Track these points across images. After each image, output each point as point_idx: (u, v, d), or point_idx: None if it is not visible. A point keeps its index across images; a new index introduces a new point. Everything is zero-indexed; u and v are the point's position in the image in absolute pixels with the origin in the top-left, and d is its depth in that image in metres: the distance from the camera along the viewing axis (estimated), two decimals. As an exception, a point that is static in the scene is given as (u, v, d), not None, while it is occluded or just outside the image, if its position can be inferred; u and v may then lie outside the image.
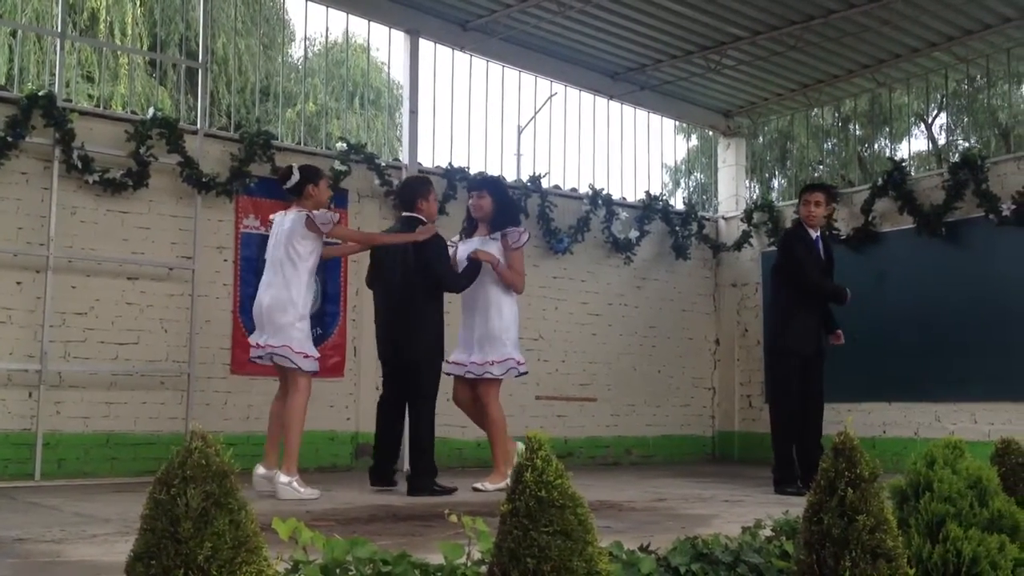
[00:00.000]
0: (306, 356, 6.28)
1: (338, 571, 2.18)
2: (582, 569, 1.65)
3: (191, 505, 1.46)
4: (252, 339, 6.46)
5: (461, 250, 7.04)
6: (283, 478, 6.08)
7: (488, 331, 6.86)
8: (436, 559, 2.34)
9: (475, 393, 6.93)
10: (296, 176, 6.44)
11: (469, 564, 2.31)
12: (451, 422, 8.26)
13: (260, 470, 6.31)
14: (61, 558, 3.69)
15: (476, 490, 6.59)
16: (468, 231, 7.21)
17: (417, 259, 6.57)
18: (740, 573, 2.56)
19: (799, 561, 1.95)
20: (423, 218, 6.76)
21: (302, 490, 6.06)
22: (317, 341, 8.23)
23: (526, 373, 7.17)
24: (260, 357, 6.40)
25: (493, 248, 6.89)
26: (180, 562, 1.44)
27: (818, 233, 7.39)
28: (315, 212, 6.31)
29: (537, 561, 1.64)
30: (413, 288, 6.58)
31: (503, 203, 7.12)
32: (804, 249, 7.30)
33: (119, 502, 5.81)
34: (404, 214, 6.90)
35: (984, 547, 2.23)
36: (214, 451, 1.53)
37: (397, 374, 6.72)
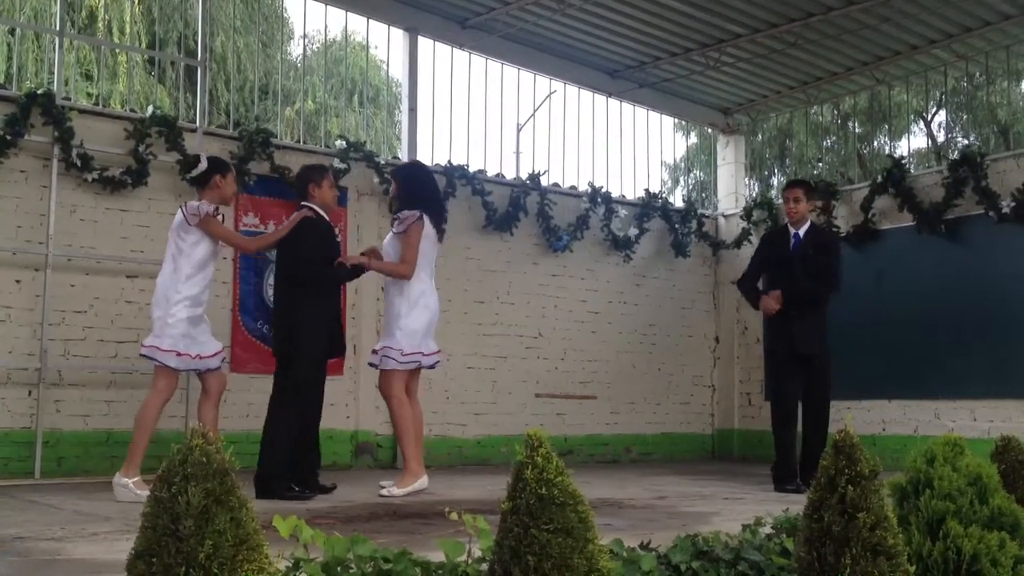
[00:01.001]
0: (178, 354, 6.01)
1: (339, 569, 2.18)
2: (583, 567, 1.65)
3: (192, 503, 1.46)
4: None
5: (385, 242, 6.82)
6: (123, 479, 5.87)
7: (385, 321, 6.74)
8: (437, 557, 2.34)
9: (412, 385, 6.64)
10: (203, 165, 6.27)
11: (470, 562, 2.31)
12: (451, 420, 8.27)
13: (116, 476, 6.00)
14: (61, 556, 3.69)
15: (382, 495, 6.20)
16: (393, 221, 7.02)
17: (285, 247, 6.37)
18: (741, 571, 2.56)
19: (799, 558, 1.95)
20: (315, 207, 6.47)
21: (140, 492, 5.70)
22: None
23: (418, 365, 6.57)
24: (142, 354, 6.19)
25: (397, 238, 6.64)
26: (181, 560, 1.44)
27: (799, 228, 7.38)
28: (189, 203, 6.12)
29: (538, 559, 1.64)
30: (281, 280, 6.46)
31: (404, 188, 6.79)
32: (755, 253, 7.68)
33: (119, 500, 5.81)
34: (301, 204, 6.56)
35: (984, 544, 2.23)
36: (215, 449, 1.53)
37: (280, 365, 6.40)
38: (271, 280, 8.49)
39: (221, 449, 1.54)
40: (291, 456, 6.12)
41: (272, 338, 6.64)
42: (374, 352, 6.64)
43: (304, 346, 6.24)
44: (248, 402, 8.28)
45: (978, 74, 14.52)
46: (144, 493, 5.63)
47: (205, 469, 1.50)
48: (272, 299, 6.74)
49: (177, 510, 1.47)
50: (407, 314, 6.49)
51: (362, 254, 6.81)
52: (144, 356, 6.12)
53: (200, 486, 1.48)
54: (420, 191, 6.75)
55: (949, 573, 2.23)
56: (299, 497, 5.95)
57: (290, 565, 2.18)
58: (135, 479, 5.88)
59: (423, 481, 6.39)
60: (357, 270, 6.62)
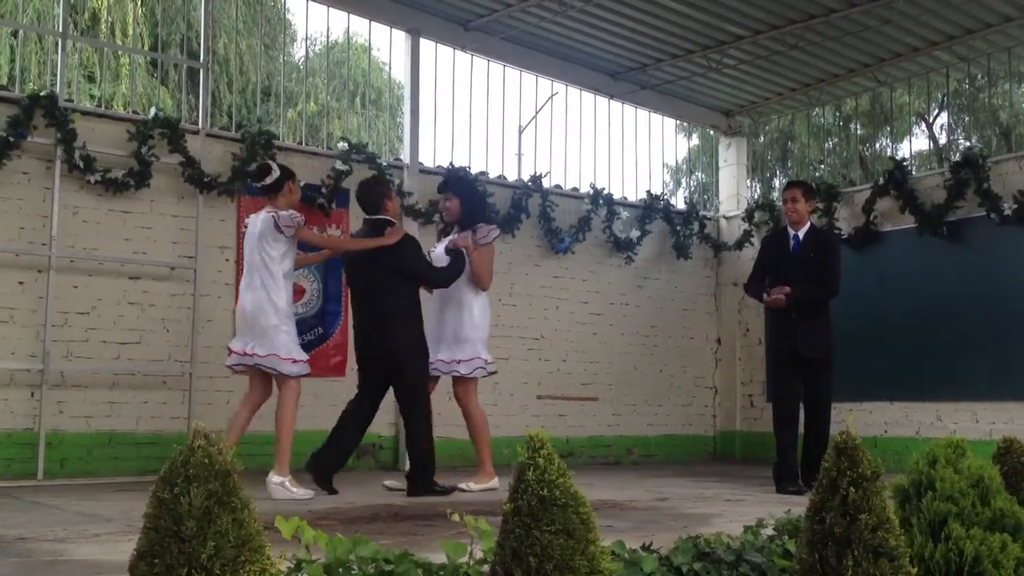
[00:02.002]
0: (294, 361, 6.23)
1: (341, 570, 2.18)
2: (584, 568, 1.65)
3: (194, 504, 1.47)
4: (234, 345, 6.38)
5: (438, 250, 6.99)
6: (275, 478, 6.06)
7: (459, 331, 6.84)
8: (438, 558, 2.34)
9: (431, 388, 6.88)
10: (276, 172, 6.39)
11: (471, 563, 2.31)
12: (451, 421, 8.25)
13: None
14: (64, 557, 3.69)
15: (461, 490, 6.55)
16: (445, 231, 7.17)
17: (389, 261, 6.49)
18: (742, 572, 2.57)
19: (801, 560, 1.95)
20: (391, 219, 6.72)
21: (294, 490, 6.04)
22: (319, 341, 8.27)
23: (494, 372, 7.16)
24: (238, 364, 6.33)
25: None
26: (183, 561, 1.44)
27: (799, 230, 7.35)
28: (281, 213, 6.24)
29: (539, 560, 1.64)
30: (389, 290, 6.51)
31: (470, 201, 7.09)
32: (759, 254, 7.68)
33: (121, 501, 5.82)
34: (369, 217, 6.76)
35: (986, 546, 2.23)
36: (217, 450, 1.53)
37: (377, 379, 6.63)
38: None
39: (223, 450, 1.54)
40: (432, 455, 6.52)
41: (376, 352, 6.59)
42: (458, 362, 6.78)
43: (418, 355, 6.57)
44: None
45: (980, 76, 14.52)
46: (298, 491, 5.90)
47: (207, 470, 1.51)
48: (358, 311, 6.72)
49: (179, 511, 1.47)
50: (482, 324, 6.88)
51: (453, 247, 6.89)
52: (262, 367, 6.23)
53: (202, 487, 1.49)
54: (482, 204, 7.27)
55: (951, 575, 2.23)
56: (444, 492, 6.36)
57: (292, 566, 2.18)
58: (288, 477, 6.09)
59: (496, 482, 6.70)
60: (460, 259, 6.77)
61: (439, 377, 6.93)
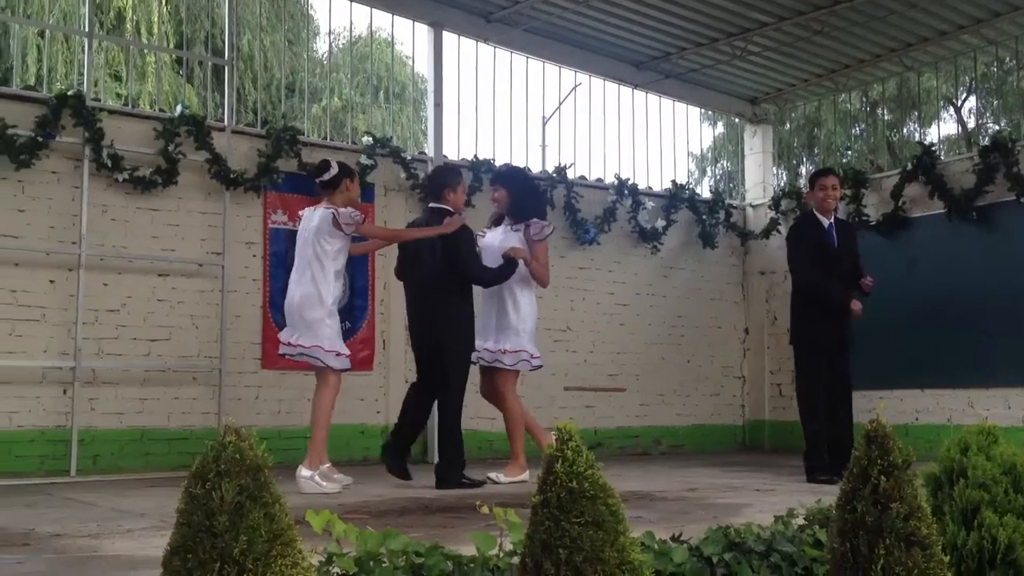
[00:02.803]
0: (337, 354, 6.30)
1: (371, 563, 2.19)
2: (614, 559, 1.65)
3: (226, 499, 1.47)
4: (283, 336, 6.50)
5: (488, 239, 7.05)
6: (305, 472, 6.10)
7: (505, 321, 6.86)
8: (468, 550, 2.35)
9: (491, 381, 6.93)
10: (335, 169, 6.46)
11: (501, 555, 2.32)
12: (480, 414, 8.27)
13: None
14: (98, 553, 3.73)
15: (492, 482, 6.58)
16: (495, 221, 7.22)
17: (444, 251, 6.56)
18: (773, 562, 2.55)
19: (832, 550, 1.94)
20: (451, 208, 6.75)
21: (324, 484, 6.08)
22: (346, 335, 8.28)
23: (540, 367, 7.10)
24: (291, 355, 6.45)
25: (514, 238, 6.89)
26: (216, 556, 1.45)
27: (829, 219, 7.22)
28: (341, 211, 6.31)
29: (569, 552, 1.64)
30: (441, 279, 6.57)
31: (519, 194, 7.08)
32: (806, 244, 7.17)
33: (154, 497, 5.87)
34: (431, 204, 6.90)
35: (1020, 533, 2.21)
36: (247, 445, 1.54)
37: (426, 364, 6.74)
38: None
39: (254, 445, 1.55)
40: (462, 448, 6.56)
41: (424, 338, 6.68)
42: (503, 352, 6.79)
43: (461, 347, 6.59)
44: (279, 398, 8.35)
45: (1008, 59, 14.36)
46: (328, 485, 5.97)
47: (238, 465, 1.51)
48: (412, 301, 6.80)
49: (211, 506, 1.48)
50: (530, 318, 6.92)
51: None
52: (306, 356, 6.29)
53: (234, 482, 1.49)
54: (539, 197, 7.32)
55: (984, 563, 2.21)
56: (473, 485, 6.40)
57: (323, 560, 2.20)
58: (318, 471, 6.13)
59: (527, 475, 6.71)
60: (510, 266, 6.79)
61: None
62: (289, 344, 6.37)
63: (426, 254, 6.61)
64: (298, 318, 6.32)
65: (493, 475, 6.67)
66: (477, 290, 6.95)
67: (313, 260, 6.31)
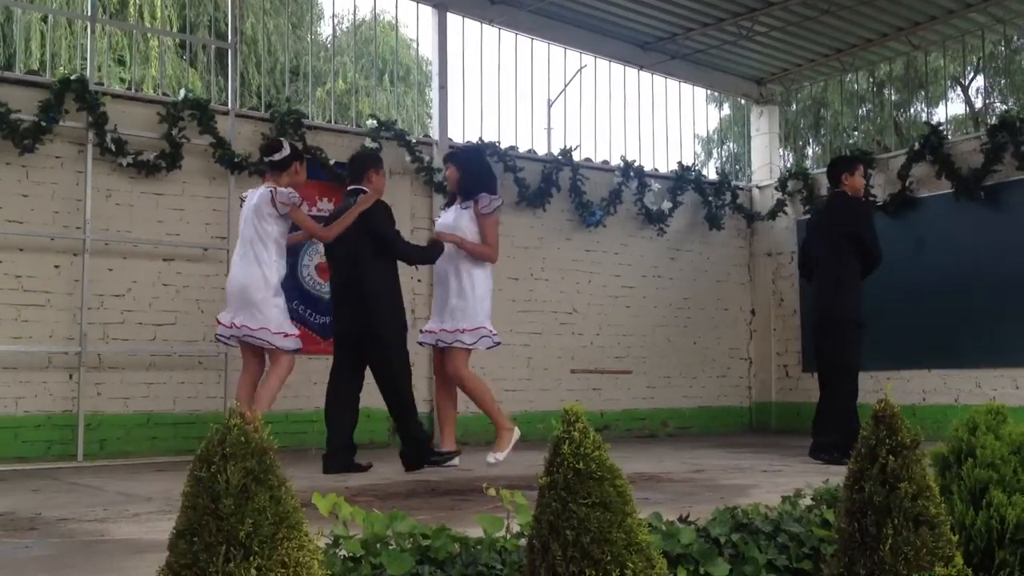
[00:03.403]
0: (285, 335, 6.23)
1: (378, 545, 2.19)
2: (622, 540, 1.64)
3: (231, 482, 1.47)
4: (222, 317, 6.35)
5: (442, 218, 7.00)
6: None
7: (461, 301, 6.71)
8: (475, 532, 2.35)
9: (447, 361, 6.77)
10: (287, 150, 6.39)
11: (508, 537, 2.32)
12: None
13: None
14: (105, 537, 3.74)
15: (491, 464, 6.48)
16: (449, 201, 7.15)
17: (363, 229, 6.42)
18: (780, 542, 2.55)
19: (840, 530, 1.93)
20: (367, 189, 6.60)
21: None
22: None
23: (499, 344, 6.95)
24: (229, 338, 6.32)
25: (465, 216, 6.75)
26: (222, 538, 1.44)
27: None
28: (280, 189, 6.22)
29: (576, 533, 1.63)
30: (364, 260, 6.44)
31: (469, 171, 6.90)
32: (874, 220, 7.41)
33: (160, 481, 5.89)
34: (352, 187, 6.69)
35: (1029, 513, 2.20)
36: (253, 428, 1.54)
37: (355, 351, 6.52)
38: (305, 261, 8.55)
39: (259, 428, 1.54)
40: (420, 424, 6.54)
41: (353, 323, 6.49)
42: (461, 331, 6.63)
43: (396, 325, 6.49)
44: (288, 381, 8.33)
45: (1016, 38, 14.29)
46: None
47: (244, 448, 1.51)
48: (336, 282, 6.65)
49: (217, 489, 1.47)
50: (486, 296, 6.76)
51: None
52: (252, 339, 6.23)
53: (239, 465, 1.49)
54: (487, 175, 7.00)
55: (992, 542, 2.21)
56: (447, 458, 6.42)
57: (330, 542, 2.19)
58: None
59: (517, 432, 6.73)
60: (436, 249, 6.74)
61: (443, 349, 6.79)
62: (232, 325, 6.23)
63: (349, 238, 6.44)
64: (241, 300, 6.22)
65: (490, 457, 6.57)
66: (426, 271, 6.79)
67: (255, 240, 6.22)
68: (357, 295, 6.44)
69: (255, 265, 6.20)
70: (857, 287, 7.16)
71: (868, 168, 7.78)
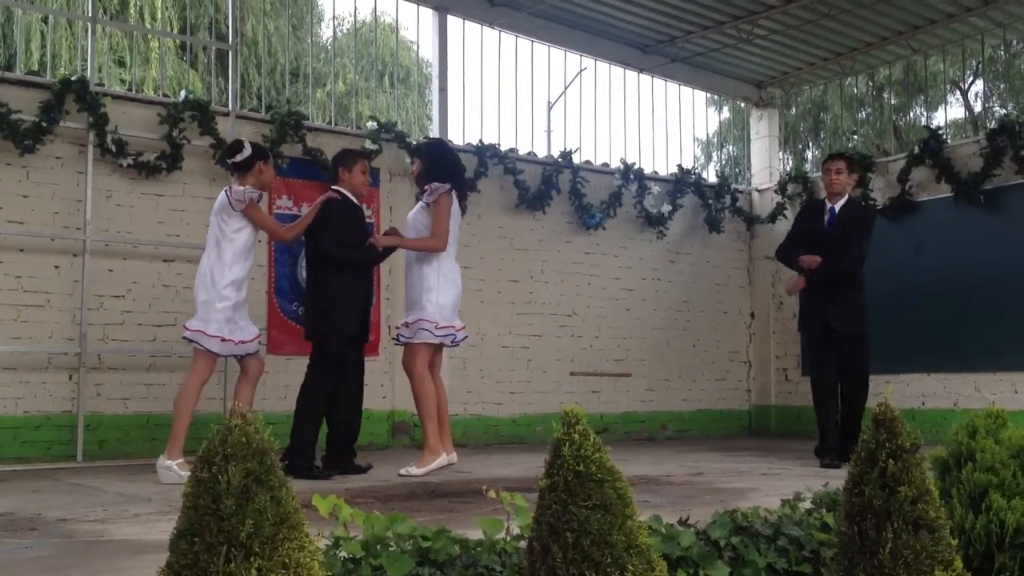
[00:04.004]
0: (222, 340, 6.06)
1: (379, 547, 2.19)
2: (622, 543, 1.64)
3: (232, 482, 1.47)
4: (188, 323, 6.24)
5: (410, 214, 6.87)
6: (165, 461, 5.93)
7: (410, 295, 6.63)
8: (475, 534, 2.35)
9: (435, 361, 6.68)
10: (248, 151, 6.28)
11: (508, 539, 2.32)
12: (486, 399, 8.28)
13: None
14: (105, 537, 3.74)
15: (401, 475, 6.21)
16: (417, 196, 7.07)
17: (310, 232, 6.40)
18: (780, 546, 2.55)
19: (840, 533, 1.93)
20: (341, 189, 6.52)
21: (183, 473, 5.64)
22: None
23: (455, 342, 6.71)
24: (184, 337, 6.22)
25: (424, 211, 6.62)
26: (223, 539, 1.44)
27: (836, 203, 7.30)
28: (234, 188, 6.15)
29: (576, 535, 1.63)
30: (312, 262, 6.46)
31: (430, 163, 6.76)
32: (795, 223, 7.61)
33: (160, 481, 5.88)
34: (333, 187, 6.64)
35: (1028, 517, 2.20)
36: (254, 429, 1.54)
37: (346, 351, 6.48)
38: (302, 263, 8.56)
39: (260, 429, 1.55)
40: (316, 435, 6.23)
41: (304, 319, 6.68)
42: (405, 326, 6.55)
43: (333, 325, 6.31)
44: (285, 384, 8.33)
45: (1015, 42, 14.30)
46: (187, 475, 5.72)
47: (245, 449, 1.51)
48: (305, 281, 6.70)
49: (218, 490, 1.47)
50: (438, 287, 6.50)
51: (385, 234, 6.77)
52: (187, 339, 6.16)
53: (240, 466, 1.49)
54: (446, 165, 6.77)
55: (992, 546, 2.21)
56: (321, 476, 6.04)
57: (330, 543, 2.20)
58: (178, 461, 5.92)
59: (442, 459, 6.41)
60: (386, 251, 6.66)
61: (440, 350, 6.73)
62: (187, 329, 6.15)
63: (307, 243, 6.50)
64: (196, 300, 6.17)
65: (403, 470, 6.31)
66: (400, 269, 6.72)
67: (212, 241, 6.17)
68: (314, 296, 6.44)
69: (205, 266, 6.12)
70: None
71: (853, 163, 7.77)
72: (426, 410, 6.46)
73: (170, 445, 6.01)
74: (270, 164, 6.47)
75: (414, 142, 9.29)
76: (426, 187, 6.60)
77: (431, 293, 6.48)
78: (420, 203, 6.69)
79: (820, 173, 7.48)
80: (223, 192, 6.23)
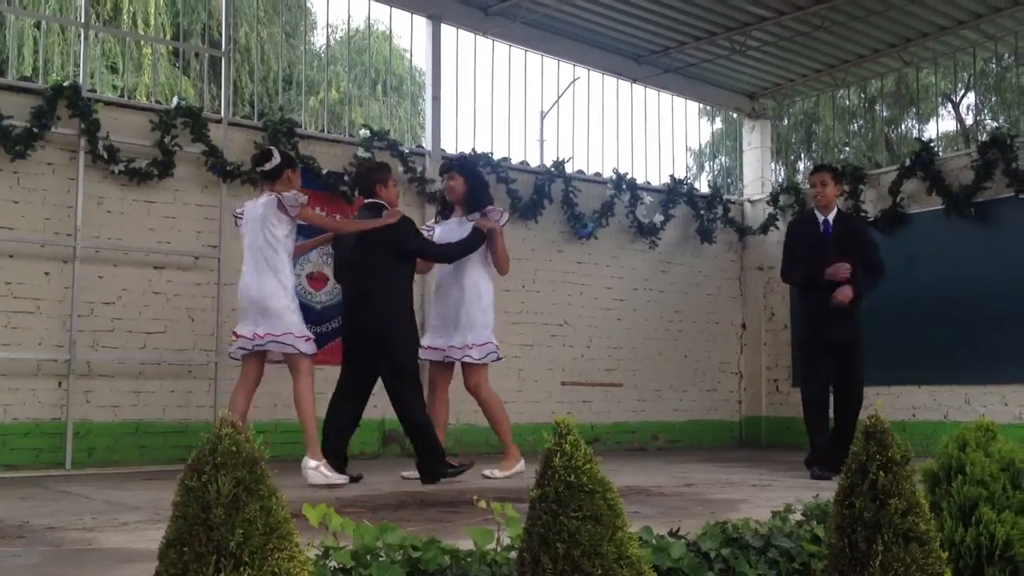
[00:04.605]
0: (307, 339, 6.24)
1: (368, 557, 2.18)
2: (612, 554, 1.64)
3: (222, 492, 1.47)
4: (242, 330, 6.27)
5: (438, 233, 6.94)
6: (311, 463, 6.07)
7: (469, 315, 6.73)
8: (466, 545, 2.34)
9: (447, 377, 6.86)
10: (277, 159, 6.36)
11: (499, 550, 2.31)
12: (477, 409, 8.25)
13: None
14: (93, 546, 3.72)
15: (486, 477, 6.51)
16: (444, 214, 7.15)
17: (383, 242, 6.40)
18: (771, 557, 2.55)
19: (830, 545, 1.94)
20: (385, 204, 6.60)
21: (329, 474, 6.05)
22: (337, 332, 8.29)
23: (500, 358, 7.02)
24: (256, 347, 6.21)
25: (469, 229, 6.76)
26: (212, 548, 1.44)
27: (828, 215, 7.34)
28: (285, 194, 6.22)
29: (567, 546, 1.63)
30: (380, 272, 6.41)
31: (476, 183, 6.99)
32: (789, 239, 7.52)
33: (149, 490, 5.86)
34: (366, 201, 6.71)
35: (1018, 530, 2.21)
36: (244, 438, 1.53)
37: (363, 361, 6.49)
38: (297, 270, 8.55)
39: (251, 438, 1.54)
40: (436, 437, 6.45)
41: (365, 333, 6.43)
42: (467, 347, 6.67)
43: (408, 337, 6.43)
44: (276, 391, 8.29)
45: (1007, 55, 14.36)
46: (333, 475, 5.97)
47: (235, 458, 1.51)
48: (348, 293, 6.65)
49: (207, 499, 1.47)
50: (490, 308, 6.84)
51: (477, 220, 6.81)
52: (278, 344, 6.17)
53: (230, 475, 1.49)
54: (486, 186, 7.12)
55: (982, 559, 2.21)
56: (460, 471, 6.37)
57: (320, 553, 2.19)
58: (323, 461, 6.11)
59: (521, 464, 6.68)
60: (478, 237, 6.73)
61: (453, 365, 6.87)
62: (255, 337, 6.18)
63: (365, 250, 6.44)
64: (259, 310, 6.19)
65: (488, 472, 6.61)
66: (430, 287, 6.82)
67: (265, 248, 6.21)
68: (371, 309, 6.39)
69: (269, 274, 6.20)
70: (802, 302, 7.36)
71: (840, 175, 7.81)
72: (501, 421, 6.78)
73: (311, 449, 6.12)
74: (298, 172, 6.60)
75: (406, 150, 9.30)
76: (489, 210, 6.82)
77: (488, 313, 6.81)
78: (464, 220, 6.86)
79: (808, 186, 7.48)
80: (268, 200, 6.25)
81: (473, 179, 7.01)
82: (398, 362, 6.38)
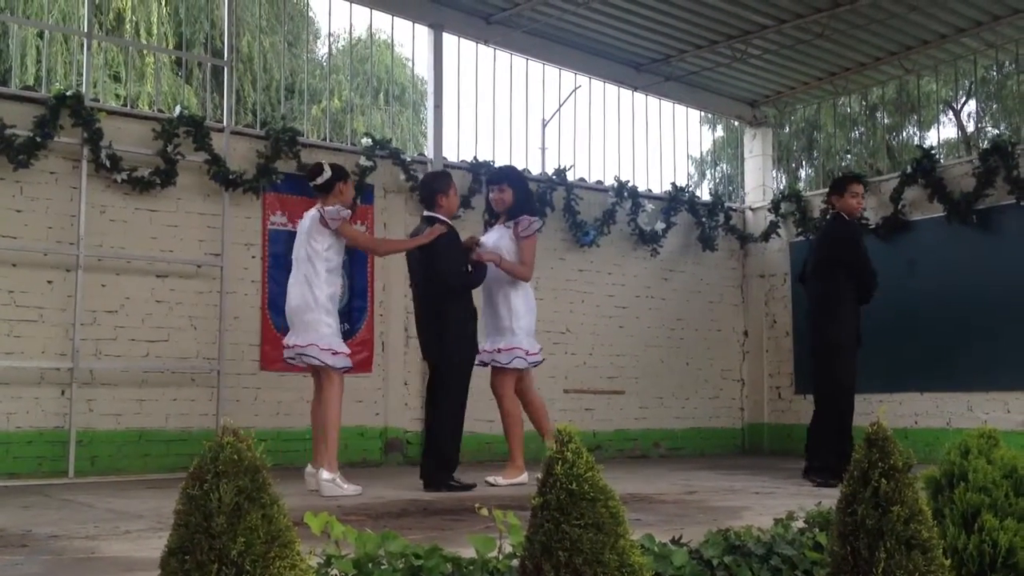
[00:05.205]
0: (334, 352, 6.33)
1: (370, 565, 2.19)
2: (614, 562, 1.64)
3: (224, 500, 1.47)
4: (286, 340, 6.57)
5: (485, 239, 7.11)
6: (325, 475, 6.13)
7: (497, 321, 6.95)
8: (468, 553, 2.34)
9: (508, 379, 6.97)
10: (328, 173, 6.50)
11: (501, 557, 2.31)
12: (479, 416, 8.26)
13: (308, 468, 6.39)
14: (95, 555, 3.72)
15: (489, 484, 6.61)
16: (490, 223, 7.27)
17: (429, 259, 6.60)
18: (773, 565, 2.55)
19: (833, 553, 1.94)
20: (441, 216, 6.74)
21: (345, 486, 6.11)
22: (345, 336, 8.30)
23: (538, 363, 7.12)
24: (292, 358, 6.48)
25: (507, 236, 6.96)
26: (214, 557, 1.44)
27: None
28: (327, 208, 6.35)
29: (569, 554, 1.63)
30: (433, 288, 6.61)
31: (523, 194, 7.18)
32: (863, 246, 7.35)
33: (152, 498, 5.86)
34: (425, 213, 6.88)
35: (1020, 537, 2.21)
36: (246, 446, 1.54)
37: (432, 369, 6.78)
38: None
39: (252, 446, 1.54)
40: (454, 451, 6.51)
41: (425, 347, 6.77)
42: (497, 351, 6.86)
43: (457, 354, 6.56)
44: (278, 400, 8.33)
45: (1008, 62, 14.37)
46: (348, 487, 6.03)
47: (236, 466, 1.51)
48: (416, 310, 6.95)
49: (209, 507, 1.47)
50: (525, 315, 6.96)
51: (468, 247, 6.89)
52: (303, 355, 6.31)
53: (232, 483, 1.49)
54: (532, 196, 7.28)
55: (984, 566, 2.21)
56: (462, 489, 6.33)
57: (322, 562, 2.19)
58: (338, 474, 6.20)
59: (525, 476, 6.78)
60: (481, 270, 6.83)
61: (503, 367, 6.97)
62: (286, 346, 6.46)
63: (419, 264, 6.72)
64: (297, 320, 6.39)
65: (491, 478, 6.70)
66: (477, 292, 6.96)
67: (304, 261, 6.38)
68: (429, 322, 6.65)
69: (305, 285, 6.35)
70: (848, 309, 7.14)
71: (865, 186, 7.87)
72: (516, 435, 6.89)
73: (329, 461, 6.20)
74: (350, 183, 6.74)
75: (408, 159, 9.31)
76: (520, 219, 6.94)
77: (520, 320, 6.92)
78: (502, 228, 7.03)
79: (839, 195, 7.36)
80: (314, 213, 6.41)
81: (522, 191, 7.16)
82: (444, 379, 6.58)
